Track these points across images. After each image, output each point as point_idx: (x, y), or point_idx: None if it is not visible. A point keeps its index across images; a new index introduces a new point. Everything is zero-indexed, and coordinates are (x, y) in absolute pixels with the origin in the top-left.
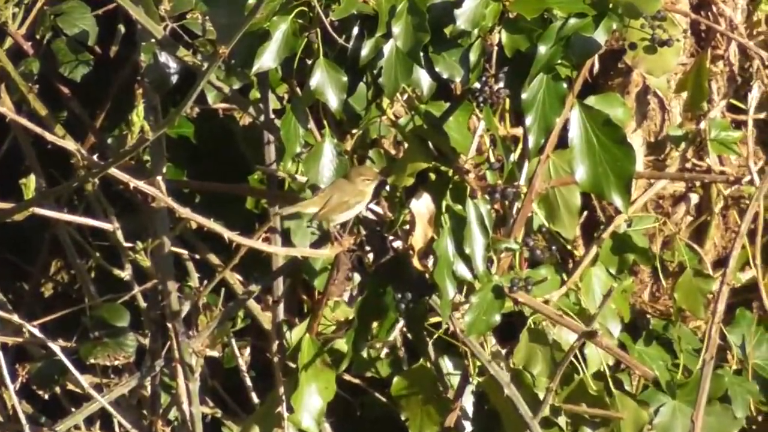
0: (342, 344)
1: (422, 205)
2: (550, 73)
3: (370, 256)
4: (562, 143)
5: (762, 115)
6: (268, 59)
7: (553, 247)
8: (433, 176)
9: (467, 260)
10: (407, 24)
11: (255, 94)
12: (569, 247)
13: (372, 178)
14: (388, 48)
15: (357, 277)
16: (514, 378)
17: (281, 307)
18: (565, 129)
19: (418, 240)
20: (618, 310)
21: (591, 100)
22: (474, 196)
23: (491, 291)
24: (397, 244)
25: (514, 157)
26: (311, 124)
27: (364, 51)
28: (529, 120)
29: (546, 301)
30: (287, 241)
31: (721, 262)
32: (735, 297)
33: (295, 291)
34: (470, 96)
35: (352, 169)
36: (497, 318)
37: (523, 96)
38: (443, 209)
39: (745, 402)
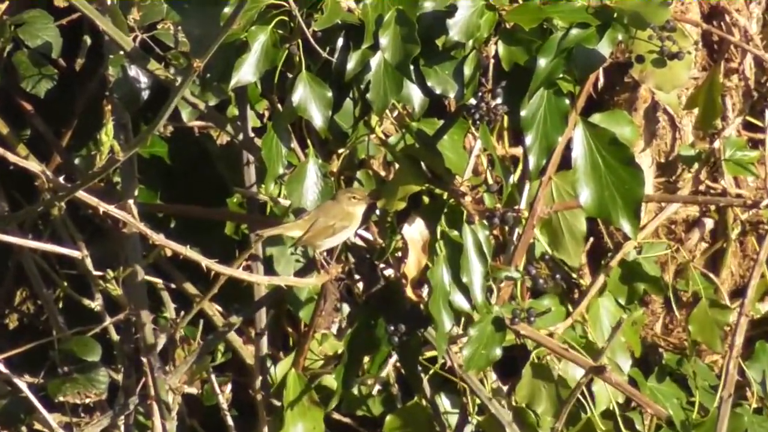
0: (330, 380)
1: (415, 231)
2: (551, 88)
3: (360, 285)
4: (565, 164)
5: None
6: (246, 73)
7: (557, 276)
8: (426, 200)
9: (465, 290)
10: (396, 35)
11: (233, 110)
12: (574, 275)
13: (360, 198)
14: (375, 61)
15: (346, 308)
16: (517, 417)
17: (264, 340)
18: (568, 149)
19: (411, 268)
20: (628, 343)
21: (596, 118)
22: (471, 221)
23: (491, 323)
24: (389, 272)
25: (513, 178)
26: (294, 144)
27: (350, 64)
28: (529, 139)
29: (550, 334)
30: (270, 270)
31: (738, 292)
32: (754, 329)
33: (279, 323)
34: (465, 113)
35: (339, 190)
36: (498, 352)
37: (523, 113)
38: (438, 235)
39: None
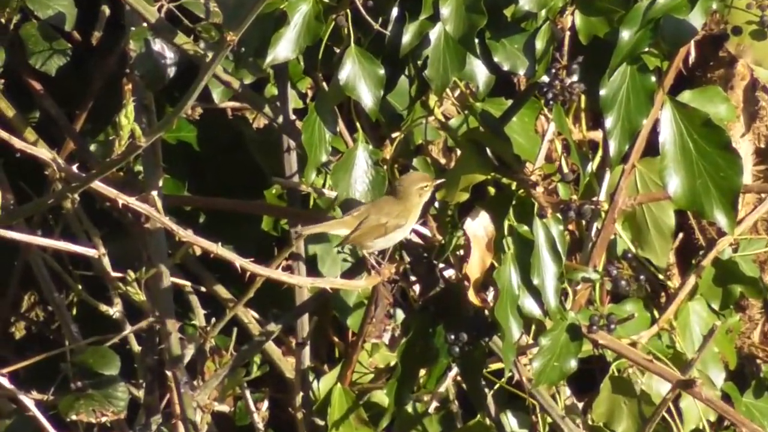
0: (382, 396)
1: (479, 226)
2: (634, 63)
3: (416, 288)
4: (651, 150)
5: None
6: (285, 48)
7: (642, 278)
8: (492, 191)
9: (535, 293)
10: (459, 4)
11: (271, 90)
12: (661, 277)
13: (431, 183)
14: (435, 33)
15: (400, 314)
16: None
17: (307, 351)
18: (654, 132)
19: (474, 268)
20: (721, 354)
21: (686, 96)
22: (543, 215)
23: (565, 331)
24: (449, 273)
25: (592, 166)
26: (341, 127)
27: (406, 37)
28: (609, 121)
29: (633, 344)
30: (313, 270)
31: None
32: None
33: (323, 331)
34: (537, 92)
35: (397, 180)
36: (573, 364)
37: (602, 92)
38: (505, 231)
39: None
